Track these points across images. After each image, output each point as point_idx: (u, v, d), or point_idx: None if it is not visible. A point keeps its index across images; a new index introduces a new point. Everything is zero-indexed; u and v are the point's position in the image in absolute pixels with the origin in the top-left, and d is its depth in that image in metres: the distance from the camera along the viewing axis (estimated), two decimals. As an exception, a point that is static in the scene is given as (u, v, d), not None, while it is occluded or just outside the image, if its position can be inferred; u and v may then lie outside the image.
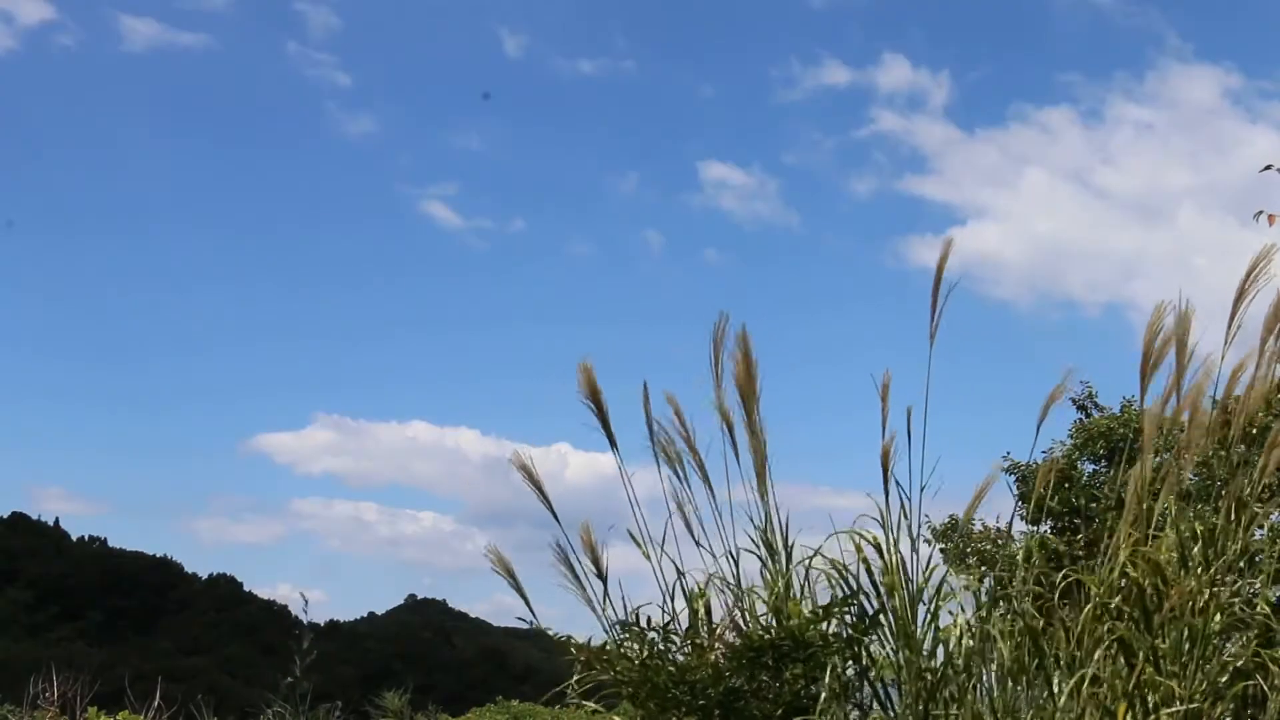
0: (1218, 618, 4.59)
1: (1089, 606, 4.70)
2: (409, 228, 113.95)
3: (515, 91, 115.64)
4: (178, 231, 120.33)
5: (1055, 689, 4.66)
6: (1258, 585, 4.91)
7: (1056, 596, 4.86)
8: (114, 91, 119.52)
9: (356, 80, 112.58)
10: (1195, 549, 4.74)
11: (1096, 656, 4.58)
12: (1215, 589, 4.61)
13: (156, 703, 10.05)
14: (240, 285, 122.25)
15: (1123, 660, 4.59)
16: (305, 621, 10.70)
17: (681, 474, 5.47)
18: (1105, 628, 4.66)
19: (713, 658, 4.99)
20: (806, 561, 5.23)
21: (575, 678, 5.20)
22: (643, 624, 5.23)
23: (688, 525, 5.42)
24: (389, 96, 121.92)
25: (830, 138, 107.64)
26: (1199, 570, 4.66)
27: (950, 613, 5.04)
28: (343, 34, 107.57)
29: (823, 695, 4.79)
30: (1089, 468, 16.90)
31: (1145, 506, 4.94)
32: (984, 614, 5.02)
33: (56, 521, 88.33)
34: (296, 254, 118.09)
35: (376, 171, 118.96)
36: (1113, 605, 4.71)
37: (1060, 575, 4.89)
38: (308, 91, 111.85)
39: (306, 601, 11.02)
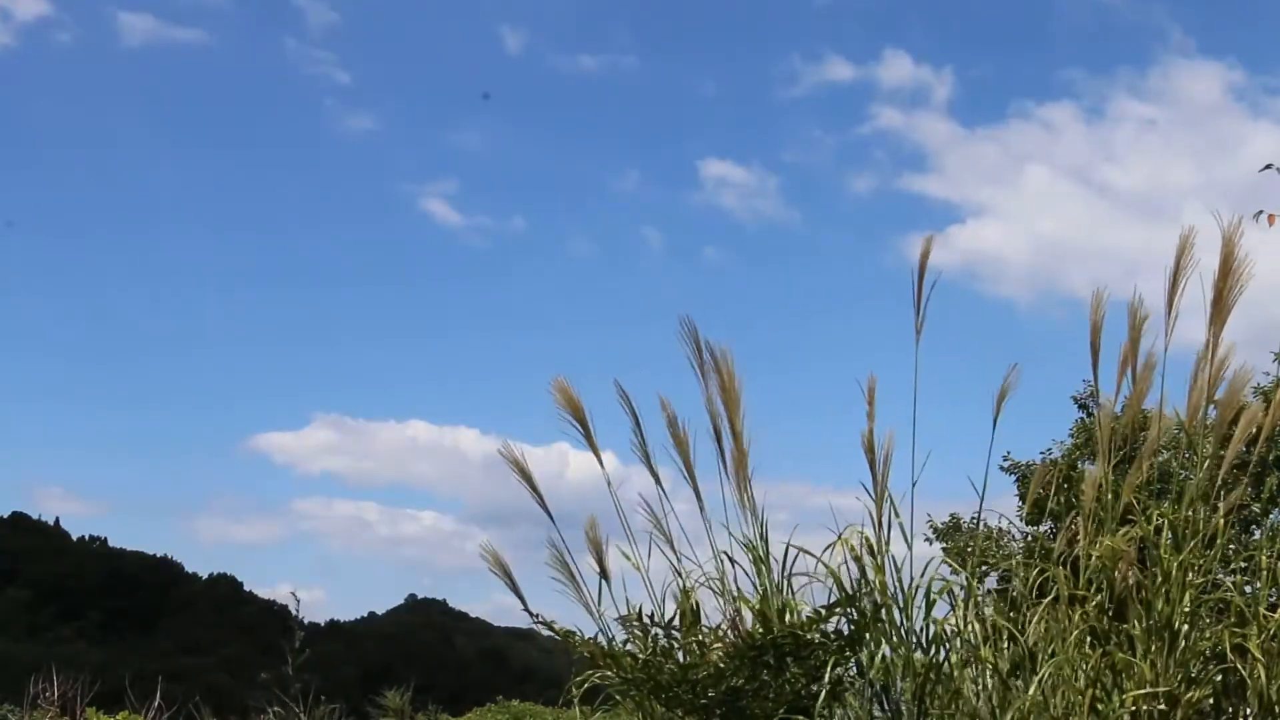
0: (1186, 600, 4.62)
1: (1049, 599, 4.76)
2: (409, 226, 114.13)
3: (515, 89, 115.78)
4: (177, 230, 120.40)
5: (1025, 679, 4.69)
6: (1228, 575, 4.97)
7: (1032, 592, 4.91)
8: (112, 89, 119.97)
9: (356, 77, 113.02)
10: (1159, 536, 4.80)
11: (1069, 646, 4.62)
12: (1185, 574, 4.65)
13: (156, 703, 10.07)
14: (239, 284, 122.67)
15: (1097, 650, 4.64)
16: (299, 619, 10.64)
17: (679, 475, 5.42)
18: (1076, 616, 4.70)
19: (714, 657, 4.98)
20: (792, 565, 5.21)
21: (578, 677, 5.14)
22: (645, 620, 5.19)
23: (670, 532, 5.38)
24: (388, 94, 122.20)
25: (831, 135, 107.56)
26: (1166, 556, 4.71)
27: (934, 620, 5.04)
28: (342, 31, 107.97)
29: (822, 695, 4.78)
30: (1090, 467, 16.87)
31: (1109, 502, 4.99)
32: (978, 613, 5.03)
33: (56, 521, 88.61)
34: (295, 252, 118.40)
35: (376, 169, 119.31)
36: (1081, 595, 4.75)
37: (1036, 572, 4.94)
38: (307, 89, 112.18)
39: (298, 600, 10.95)
